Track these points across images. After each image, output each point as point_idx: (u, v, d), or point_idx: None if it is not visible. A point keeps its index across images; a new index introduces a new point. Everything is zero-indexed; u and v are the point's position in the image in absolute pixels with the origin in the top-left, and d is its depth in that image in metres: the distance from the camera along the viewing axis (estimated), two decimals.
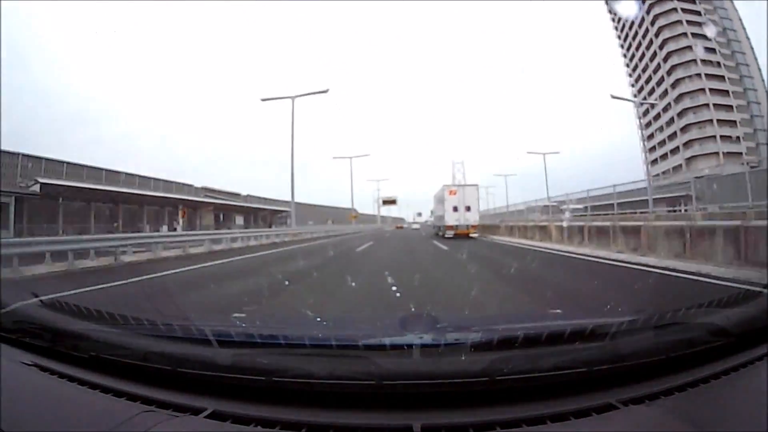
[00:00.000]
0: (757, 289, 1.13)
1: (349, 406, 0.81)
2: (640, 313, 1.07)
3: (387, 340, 1.04)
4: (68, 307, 1.24)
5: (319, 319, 2.19)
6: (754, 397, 0.81)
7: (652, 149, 50.93)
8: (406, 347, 0.93)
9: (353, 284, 5.61)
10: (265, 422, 0.76)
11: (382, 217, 72.43)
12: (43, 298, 1.31)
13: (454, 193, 20.36)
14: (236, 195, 43.72)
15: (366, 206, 64.71)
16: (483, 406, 0.80)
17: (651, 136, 51.36)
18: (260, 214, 44.02)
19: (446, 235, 19.35)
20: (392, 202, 59.42)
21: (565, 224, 12.65)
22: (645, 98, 51.05)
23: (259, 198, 47.25)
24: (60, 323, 1.10)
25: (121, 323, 1.15)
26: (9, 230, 16.54)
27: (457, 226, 19.58)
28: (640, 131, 52.33)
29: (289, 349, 0.94)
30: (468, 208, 20.00)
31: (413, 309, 3.58)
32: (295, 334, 1.11)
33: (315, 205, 58.33)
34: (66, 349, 1.00)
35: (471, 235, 19.36)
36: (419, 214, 62.37)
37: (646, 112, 51.57)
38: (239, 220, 41.62)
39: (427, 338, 1.03)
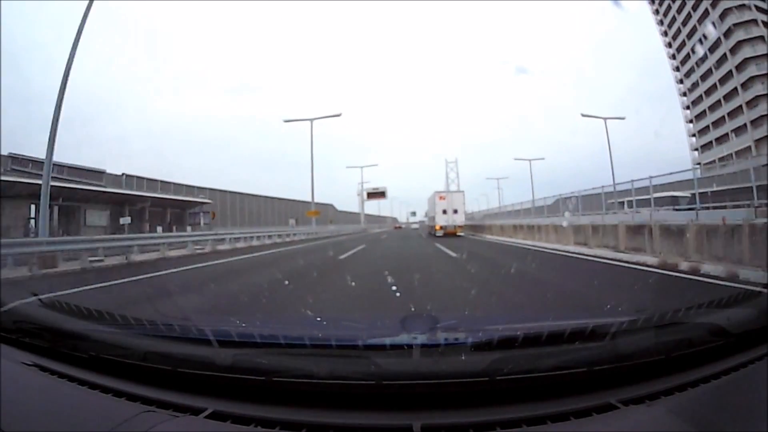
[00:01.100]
0: (757, 289, 1.13)
1: (349, 406, 0.81)
2: (640, 313, 1.07)
3: (387, 340, 1.04)
4: (68, 307, 1.24)
5: (319, 319, 2.19)
6: (754, 397, 0.81)
7: (704, 131, 41.85)
8: (406, 347, 0.93)
9: None
10: (265, 422, 0.76)
11: (372, 216, 59.37)
12: (42, 297, 1.31)
13: (444, 199, 24.30)
14: (96, 173, 25.84)
15: (353, 203, 53.78)
16: (483, 406, 0.80)
17: (702, 115, 41.92)
18: (142, 206, 26.05)
19: (437, 234, 22.74)
20: (381, 194, 46.26)
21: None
22: (692, 69, 42.19)
23: (153, 181, 30.56)
24: (60, 323, 1.10)
25: (121, 323, 1.15)
26: None
27: (445, 226, 23.19)
28: (684, 111, 44.18)
29: (289, 349, 0.94)
30: (455, 211, 23.79)
31: (413, 309, 3.59)
32: (295, 334, 1.11)
33: (271, 198, 44.88)
34: (66, 349, 1.00)
35: (458, 234, 22.80)
36: (413, 214, 56.25)
37: (693, 87, 42.76)
38: (97, 217, 23.84)
39: (427, 338, 1.03)
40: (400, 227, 53.24)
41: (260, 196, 44.44)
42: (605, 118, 25.08)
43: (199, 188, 35.47)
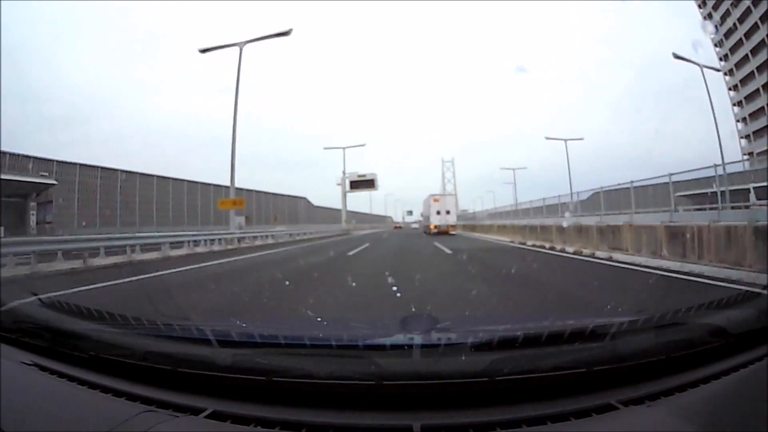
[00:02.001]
0: (757, 290, 1.13)
1: (349, 406, 0.81)
2: (640, 313, 1.07)
3: (387, 341, 1.04)
4: (68, 307, 1.24)
5: (319, 319, 2.19)
6: (754, 397, 0.81)
7: (756, 114, 35.34)
8: (406, 347, 0.93)
9: None
10: (265, 422, 0.76)
11: (361, 215, 49.23)
12: (42, 297, 1.31)
13: (438, 201, 27.25)
14: None
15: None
16: (483, 406, 0.80)
17: (755, 94, 35.44)
18: None
19: (431, 233, 24.97)
20: (368, 184, 34.07)
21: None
22: (740, 42, 35.54)
23: None
24: (60, 323, 1.11)
25: (121, 323, 1.15)
26: None
27: (439, 225, 25.84)
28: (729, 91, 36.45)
29: (289, 349, 0.94)
30: (448, 212, 26.71)
31: (413, 309, 3.59)
32: (295, 334, 1.11)
33: (196, 183, 31.15)
34: (66, 348, 1.00)
35: (450, 232, 25.40)
36: (410, 212, 53.34)
37: (742, 62, 36.31)
38: None
39: (427, 338, 1.03)
40: (400, 227, 47.93)
41: (178, 180, 28.65)
42: (703, 66, 19.52)
43: (68, 164, 20.93)
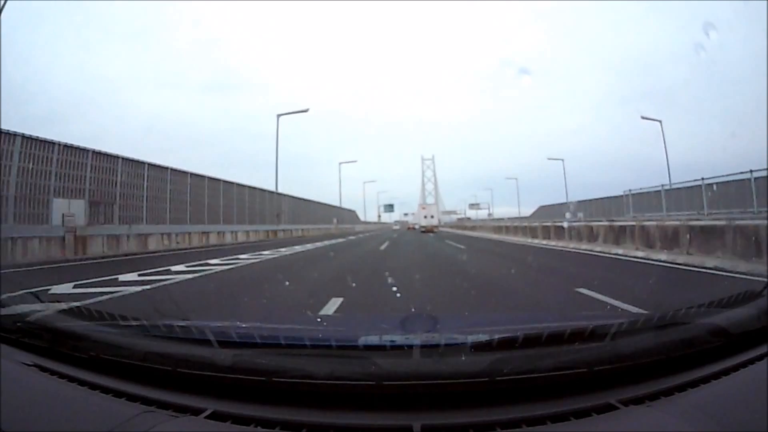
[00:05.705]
0: (758, 288, 1.14)
1: (349, 406, 0.81)
2: (640, 314, 1.07)
3: (387, 341, 1.04)
4: (68, 307, 1.24)
5: (319, 320, 2.19)
6: (754, 397, 0.81)
7: None
8: (406, 347, 0.93)
9: None
10: (265, 422, 0.76)
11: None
12: (42, 297, 1.31)
13: (424, 209, 42.47)
14: None
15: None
16: (483, 406, 0.80)
17: None
18: None
19: (421, 230, 36.53)
20: None
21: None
22: None
23: None
24: (60, 323, 1.11)
25: (121, 323, 1.15)
26: None
27: (425, 226, 38.25)
28: None
29: (289, 350, 0.94)
30: (432, 216, 41.06)
31: (413, 309, 3.59)
32: (295, 334, 1.11)
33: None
34: (66, 349, 1.00)
35: (434, 231, 35.92)
36: (389, 207, 61.14)
37: None
38: None
39: (427, 338, 1.03)
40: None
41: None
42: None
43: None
